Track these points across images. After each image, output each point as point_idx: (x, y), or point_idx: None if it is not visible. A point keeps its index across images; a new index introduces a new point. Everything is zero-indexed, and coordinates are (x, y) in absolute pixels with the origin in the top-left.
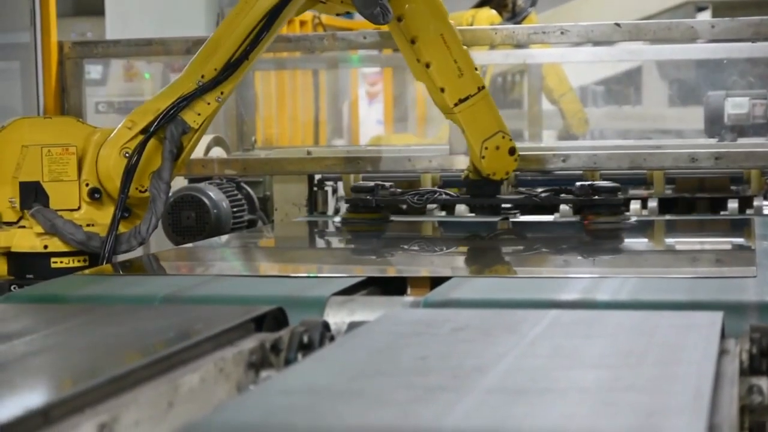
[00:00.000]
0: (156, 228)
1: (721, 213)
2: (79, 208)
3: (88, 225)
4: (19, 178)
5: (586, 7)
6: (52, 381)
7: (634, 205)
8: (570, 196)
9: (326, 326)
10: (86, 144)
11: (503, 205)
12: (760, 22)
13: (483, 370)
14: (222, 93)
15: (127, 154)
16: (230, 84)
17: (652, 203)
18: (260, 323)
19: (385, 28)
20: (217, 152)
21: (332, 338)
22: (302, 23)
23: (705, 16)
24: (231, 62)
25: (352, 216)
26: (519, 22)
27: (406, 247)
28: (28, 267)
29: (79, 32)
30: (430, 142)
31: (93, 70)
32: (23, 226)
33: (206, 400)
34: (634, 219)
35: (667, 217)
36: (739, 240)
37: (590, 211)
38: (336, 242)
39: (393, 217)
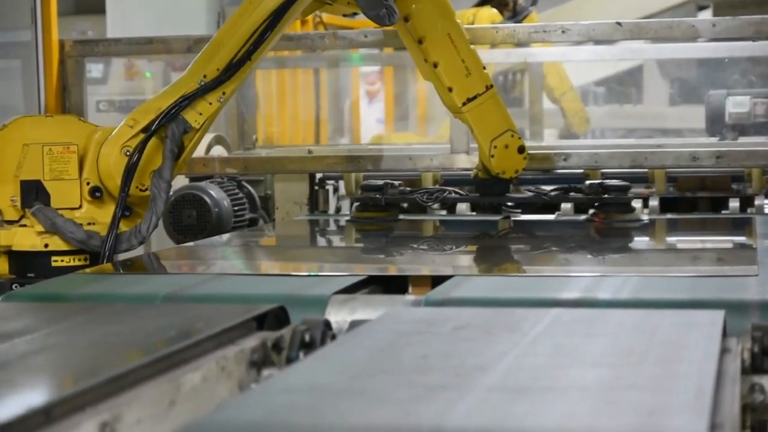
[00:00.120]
0: (156, 227)
1: (723, 212)
2: (80, 206)
3: (88, 224)
4: (20, 176)
5: (587, 6)
6: (53, 380)
7: (636, 204)
8: (580, 195)
9: (328, 325)
10: (87, 142)
11: (506, 204)
12: (761, 20)
13: (484, 368)
14: (224, 93)
15: (128, 153)
16: (232, 84)
17: (653, 202)
18: (262, 322)
19: (388, 27)
20: (218, 151)
21: (334, 337)
22: (303, 22)
23: (706, 15)
24: (233, 62)
25: (362, 215)
26: (520, 21)
27: (407, 245)
28: (29, 266)
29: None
30: (431, 141)
31: (94, 69)
32: (24, 225)
33: (208, 399)
34: (645, 217)
35: (669, 216)
36: (741, 239)
37: (601, 209)
38: (337, 241)
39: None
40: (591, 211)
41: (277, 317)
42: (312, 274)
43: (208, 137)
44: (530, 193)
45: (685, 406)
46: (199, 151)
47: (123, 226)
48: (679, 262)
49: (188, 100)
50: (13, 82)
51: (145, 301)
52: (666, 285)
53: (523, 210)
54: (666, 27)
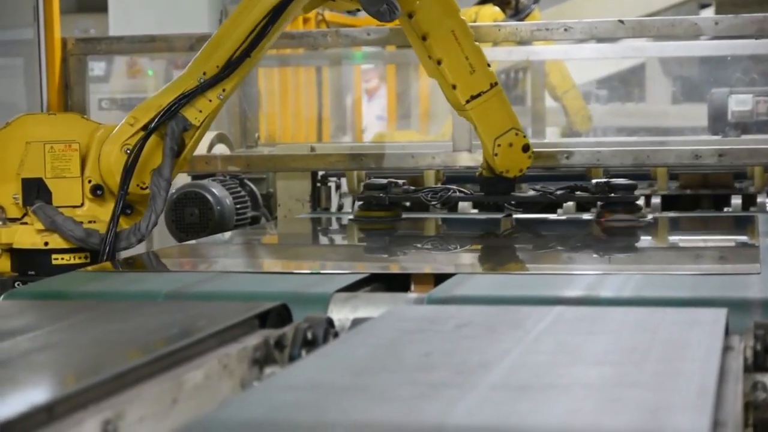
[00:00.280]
0: (156, 225)
1: (725, 210)
2: (82, 204)
3: (89, 222)
4: (22, 174)
5: (590, 4)
6: (55, 377)
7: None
8: (586, 194)
9: (330, 323)
10: (90, 140)
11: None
12: (764, 19)
13: (487, 366)
14: (224, 90)
15: (128, 151)
16: (232, 81)
17: (655, 200)
18: (264, 320)
19: (390, 24)
20: (221, 149)
21: (336, 335)
22: (305, 20)
23: (708, 13)
24: (233, 59)
25: (365, 214)
26: (522, 19)
27: (410, 243)
28: (30, 264)
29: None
30: (433, 139)
31: (96, 67)
32: (26, 223)
33: (210, 397)
34: (650, 216)
35: (671, 214)
36: (743, 237)
37: (607, 208)
38: (339, 239)
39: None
40: (595, 210)
41: (279, 315)
42: (314, 272)
43: (210, 135)
44: (535, 192)
45: (687, 403)
46: (202, 149)
47: (124, 225)
48: (681, 260)
49: (188, 98)
50: (15, 79)
51: (147, 299)
52: (668, 283)
53: (526, 209)
54: (668, 25)
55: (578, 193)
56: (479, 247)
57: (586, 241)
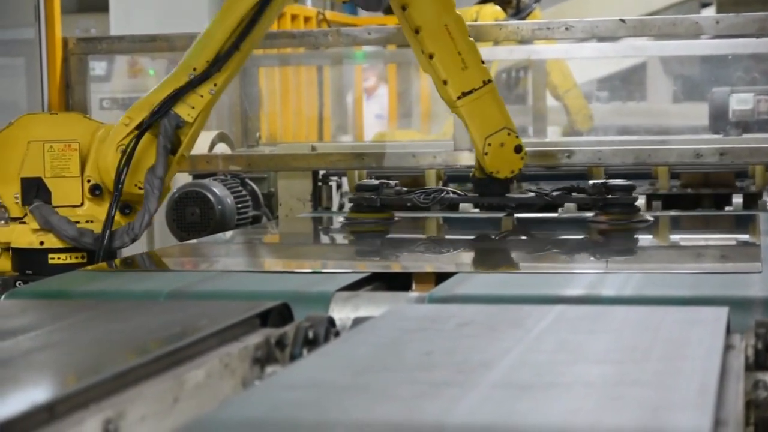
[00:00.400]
0: (149, 224)
1: (726, 209)
2: (81, 204)
3: (87, 221)
4: (21, 173)
5: (591, 3)
6: (57, 377)
7: (639, 201)
8: (583, 196)
9: (331, 322)
10: (92, 140)
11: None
12: (765, 17)
13: (488, 365)
14: (215, 85)
15: (124, 151)
16: (223, 75)
17: (656, 201)
18: (265, 319)
19: (392, 22)
20: (222, 148)
21: (337, 334)
22: (306, 19)
23: (709, 12)
24: (222, 54)
25: (356, 215)
26: (523, 18)
27: (410, 243)
28: (28, 263)
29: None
30: (434, 138)
31: (97, 67)
32: (24, 222)
33: (212, 396)
34: (649, 217)
35: (672, 213)
36: (744, 236)
37: (604, 210)
38: (341, 238)
39: (397, 213)
40: (592, 213)
41: (280, 314)
42: (315, 271)
43: (212, 135)
44: (532, 194)
45: (688, 402)
46: (203, 149)
47: (123, 224)
48: (682, 259)
49: (179, 95)
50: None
51: (148, 298)
52: (670, 282)
53: (524, 209)
54: (669, 24)
55: (575, 194)
56: (479, 246)
57: (587, 239)
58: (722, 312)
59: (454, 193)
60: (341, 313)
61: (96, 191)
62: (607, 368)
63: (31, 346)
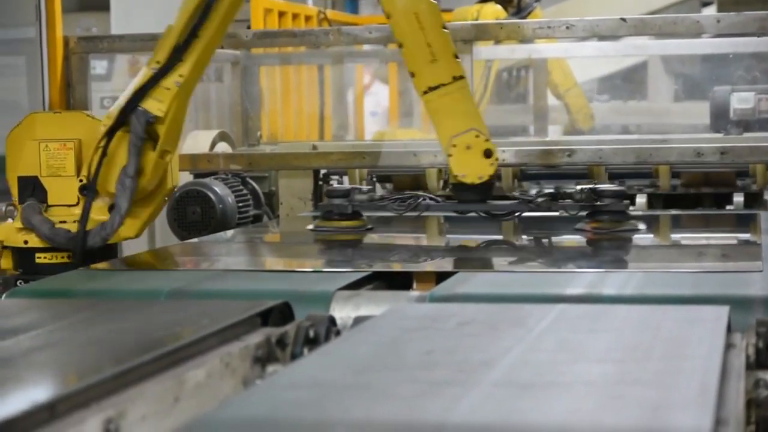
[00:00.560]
0: (121, 224)
1: (727, 208)
2: (77, 203)
3: (74, 221)
4: (18, 172)
5: (592, 2)
6: (58, 376)
7: (640, 200)
8: (569, 201)
9: (332, 321)
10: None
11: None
12: (766, 16)
13: (489, 364)
14: (181, 76)
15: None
16: (187, 65)
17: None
18: (266, 318)
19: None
20: (223, 147)
21: (338, 333)
22: (307, 18)
23: (710, 11)
24: (181, 42)
25: (325, 224)
26: (524, 17)
27: (411, 241)
28: (19, 261)
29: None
30: (435, 137)
31: (98, 66)
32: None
33: (212, 395)
34: (641, 226)
35: (673, 212)
36: (745, 235)
37: (593, 218)
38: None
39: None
40: (580, 224)
41: (281, 313)
42: (316, 270)
43: (213, 134)
44: (515, 200)
45: (689, 401)
46: (204, 148)
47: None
48: (683, 258)
49: (144, 90)
50: (17, 78)
51: (149, 298)
52: (670, 281)
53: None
54: (670, 23)
55: (561, 200)
56: (480, 245)
57: (588, 238)
58: (723, 311)
59: (431, 199)
60: (342, 312)
61: (84, 191)
62: (608, 367)
63: (32, 346)
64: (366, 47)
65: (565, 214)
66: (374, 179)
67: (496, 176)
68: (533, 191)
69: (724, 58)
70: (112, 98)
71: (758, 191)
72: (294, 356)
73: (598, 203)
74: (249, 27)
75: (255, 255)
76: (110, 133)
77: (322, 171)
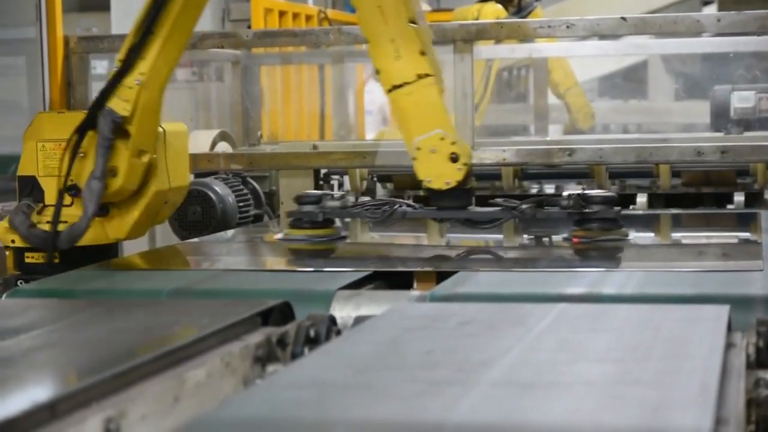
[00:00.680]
0: (88, 227)
1: (728, 207)
2: (71, 204)
3: (63, 222)
4: (18, 172)
5: (592, 1)
6: (58, 375)
7: (641, 199)
8: (556, 209)
9: (333, 320)
10: None
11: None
12: (766, 15)
13: (489, 363)
14: (142, 74)
15: (82, 155)
16: (146, 63)
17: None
18: (267, 317)
19: None
20: (223, 147)
21: (339, 332)
22: (308, 18)
23: (711, 10)
24: (137, 40)
25: (295, 232)
26: (525, 17)
27: (412, 241)
28: (13, 261)
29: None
30: None
31: (98, 65)
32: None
33: (213, 395)
34: (630, 236)
35: (674, 211)
36: (746, 234)
37: (581, 226)
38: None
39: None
40: (567, 232)
41: (282, 313)
42: (317, 269)
43: (213, 133)
44: (498, 207)
45: (690, 401)
46: (204, 147)
47: (99, 226)
48: (684, 257)
49: (108, 89)
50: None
51: (150, 297)
52: (671, 280)
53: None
54: (671, 22)
55: (548, 207)
56: (480, 244)
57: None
58: (723, 310)
59: (408, 205)
60: (342, 311)
61: (71, 191)
62: (608, 367)
63: (33, 345)
64: (366, 47)
65: (553, 223)
66: (375, 179)
67: (469, 180)
68: (533, 190)
69: (725, 57)
70: None
71: (759, 190)
72: (294, 356)
73: (587, 210)
74: (249, 26)
75: (255, 254)
76: (80, 132)
77: (323, 171)
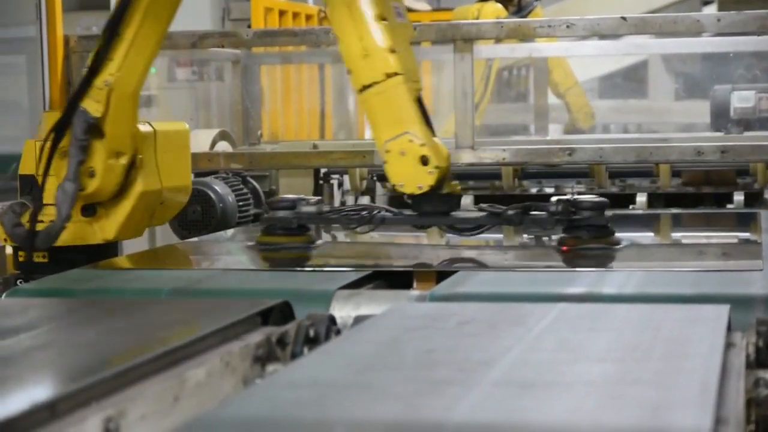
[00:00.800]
0: (63, 229)
1: (728, 206)
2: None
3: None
4: (19, 171)
5: (592, 1)
6: (58, 375)
7: (641, 198)
8: (544, 214)
9: (332, 320)
10: None
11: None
12: (766, 15)
13: (489, 363)
14: (111, 75)
15: (64, 155)
16: (114, 63)
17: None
18: (266, 317)
19: None
20: (223, 146)
21: (338, 332)
22: (308, 17)
23: (711, 10)
24: (104, 42)
25: (267, 239)
26: (525, 17)
27: (411, 240)
28: (13, 260)
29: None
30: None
31: None
32: None
33: (212, 395)
34: (625, 243)
35: (674, 210)
36: (746, 234)
37: (571, 233)
38: (341, 236)
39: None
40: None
41: (281, 312)
42: (317, 269)
43: (213, 133)
44: (483, 213)
45: (690, 401)
46: (204, 147)
47: (88, 226)
48: (684, 256)
49: (80, 90)
50: (18, 77)
51: (149, 296)
52: (671, 280)
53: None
54: (671, 22)
55: (535, 212)
56: (480, 244)
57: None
58: (723, 310)
59: (388, 211)
60: (342, 311)
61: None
62: (608, 367)
63: (33, 345)
64: None
65: (538, 233)
66: (375, 178)
67: (446, 184)
68: (533, 190)
69: (725, 56)
70: None
71: (759, 190)
72: (294, 355)
73: (576, 217)
74: (249, 26)
75: (255, 254)
76: (56, 132)
77: (323, 170)
